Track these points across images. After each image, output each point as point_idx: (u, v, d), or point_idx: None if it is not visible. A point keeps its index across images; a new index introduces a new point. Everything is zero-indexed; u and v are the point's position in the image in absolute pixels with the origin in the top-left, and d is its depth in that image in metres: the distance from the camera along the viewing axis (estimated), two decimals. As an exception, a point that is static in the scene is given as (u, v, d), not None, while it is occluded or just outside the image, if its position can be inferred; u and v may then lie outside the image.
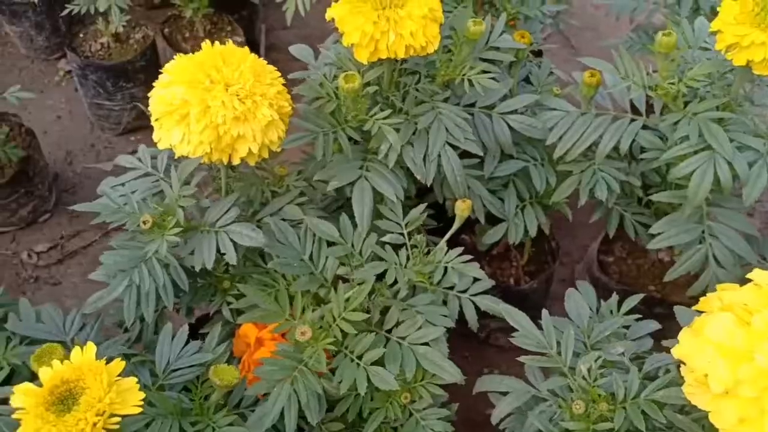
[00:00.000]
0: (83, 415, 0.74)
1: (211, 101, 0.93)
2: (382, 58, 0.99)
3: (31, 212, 1.86)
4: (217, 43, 1.00)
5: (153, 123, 1.00)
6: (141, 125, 2.12)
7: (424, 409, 0.94)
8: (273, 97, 0.97)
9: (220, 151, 0.96)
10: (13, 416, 0.75)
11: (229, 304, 1.04)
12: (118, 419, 0.76)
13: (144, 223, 0.97)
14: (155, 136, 1.00)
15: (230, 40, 2.08)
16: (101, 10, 1.77)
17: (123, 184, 1.06)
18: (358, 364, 0.89)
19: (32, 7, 2.12)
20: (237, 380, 0.87)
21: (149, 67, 1.98)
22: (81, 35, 2.00)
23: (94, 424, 0.74)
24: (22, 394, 0.77)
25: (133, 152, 1.21)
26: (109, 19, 1.85)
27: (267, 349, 0.98)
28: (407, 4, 0.96)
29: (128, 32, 1.99)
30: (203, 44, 0.99)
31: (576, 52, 2.31)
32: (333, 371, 0.91)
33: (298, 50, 1.17)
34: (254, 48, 2.22)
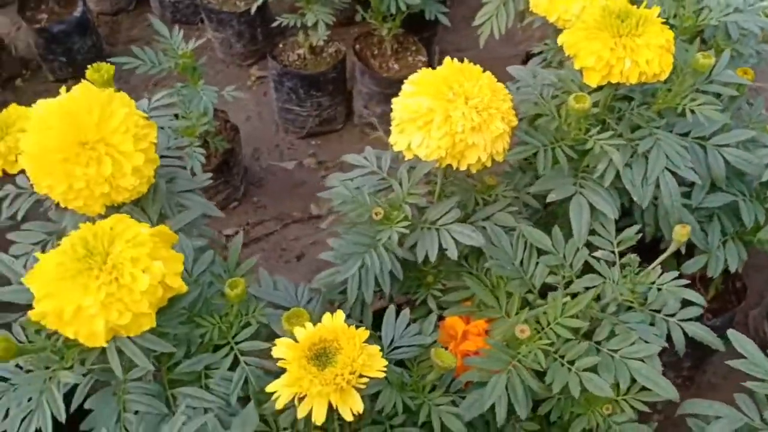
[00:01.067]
0: (340, 371, 0.84)
1: (453, 111, 1.02)
2: (611, 83, 1.04)
3: (224, 199, 2.08)
4: (455, 60, 1.10)
5: (393, 127, 1.11)
6: (320, 131, 2.30)
7: (623, 422, 0.97)
8: (505, 112, 1.05)
9: (452, 157, 1.05)
10: (278, 364, 0.87)
11: (435, 297, 1.13)
12: (366, 380, 0.86)
13: (376, 214, 1.09)
14: (392, 139, 1.10)
15: (415, 59, 2.21)
16: (309, 24, 1.96)
17: (351, 180, 1.19)
18: (569, 369, 0.93)
19: (237, 17, 2.38)
20: (454, 365, 0.95)
21: (337, 79, 2.16)
22: (281, 45, 2.22)
23: (348, 381, 0.84)
24: (284, 348, 0.89)
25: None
26: (309, 32, 2.05)
27: (472, 342, 1.05)
28: (645, 33, 1.01)
29: (323, 46, 2.18)
30: (445, 60, 1.09)
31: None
32: (538, 373, 0.96)
33: (515, 71, 1.25)
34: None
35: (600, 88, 1.10)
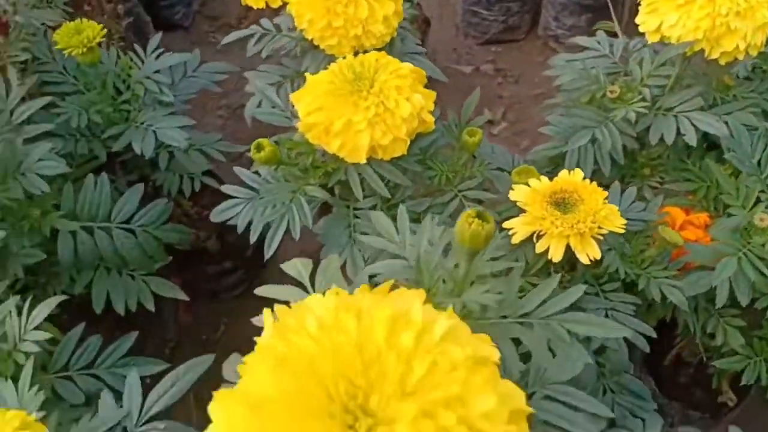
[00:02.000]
0: (581, 217, 0.88)
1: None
2: None
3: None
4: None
5: (643, 7, 1.08)
6: (501, 39, 2.28)
7: None
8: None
9: (707, 41, 1.02)
10: (519, 204, 0.92)
11: (653, 188, 1.13)
12: (606, 232, 0.89)
13: (611, 92, 1.09)
14: (640, 19, 1.08)
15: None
16: None
17: (580, 61, 1.19)
18: (802, 265, 0.91)
19: None
20: (681, 242, 0.96)
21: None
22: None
23: (589, 229, 0.87)
24: (524, 191, 0.93)
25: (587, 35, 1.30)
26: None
27: (691, 232, 1.05)
28: None
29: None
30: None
31: None
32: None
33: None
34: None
35: None
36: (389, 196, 1.03)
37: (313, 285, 0.70)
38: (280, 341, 0.51)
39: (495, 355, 0.52)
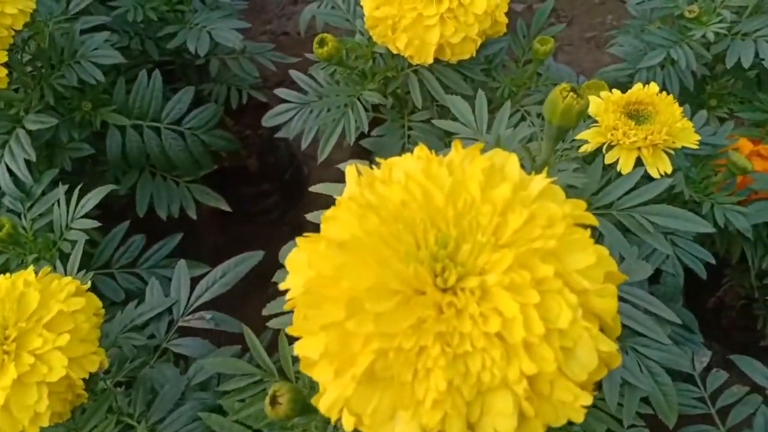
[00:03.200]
0: (656, 128, 0.84)
1: None
2: None
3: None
4: None
5: None
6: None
7: None
8: None
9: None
10: (595, 118, 0.88)
11: (720, 119, 1.08)
12: (679, 147, 0.85)
13: (689, 12, 1.04)
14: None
15: None
16: None
17: (654, -18, 1.13)
18: None
19: None
20: (750, 169, 0.92)
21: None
22: None
23: (664, 141, 0.84)
24: (597, 101, 0.89)
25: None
26: None
27: (759, 163, 1.01)
28: None
29: None
30: None
31: None
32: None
33: None
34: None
35: None
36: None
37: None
38: (366, 190, 0.49)
39: (592, 220, 0.49)
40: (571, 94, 0.56)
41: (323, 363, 0.44)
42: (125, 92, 1.10)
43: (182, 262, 0.88)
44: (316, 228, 0.49)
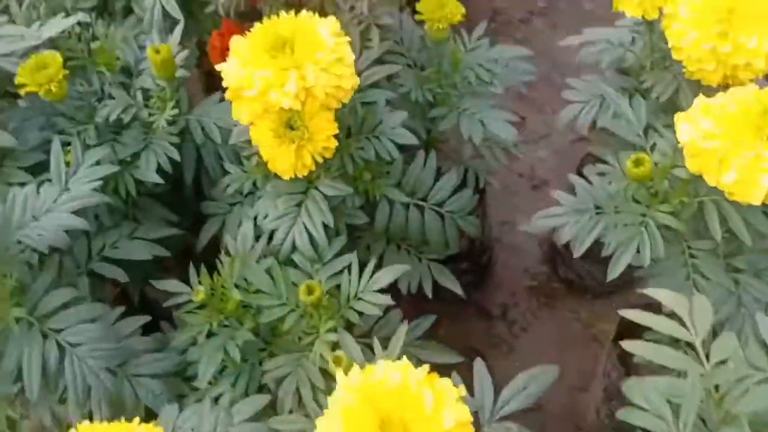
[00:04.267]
0: None
1: None
2: None
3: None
4: None
5: None
6: None
7: None
8: None
9: None
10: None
11: None
12: None
13: None
14: None
15: None
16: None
17: None
18: None
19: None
20: None
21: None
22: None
23: None
24: None
25: None
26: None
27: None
28: None
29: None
30: None
31: None
32: None
33: None
34: None
35: None
36: (750, 244, 0.95)
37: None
38: None
39: None
40: None
41: None
42: (401, 169, 1.13)
43: (480, 362, 0.87)
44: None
